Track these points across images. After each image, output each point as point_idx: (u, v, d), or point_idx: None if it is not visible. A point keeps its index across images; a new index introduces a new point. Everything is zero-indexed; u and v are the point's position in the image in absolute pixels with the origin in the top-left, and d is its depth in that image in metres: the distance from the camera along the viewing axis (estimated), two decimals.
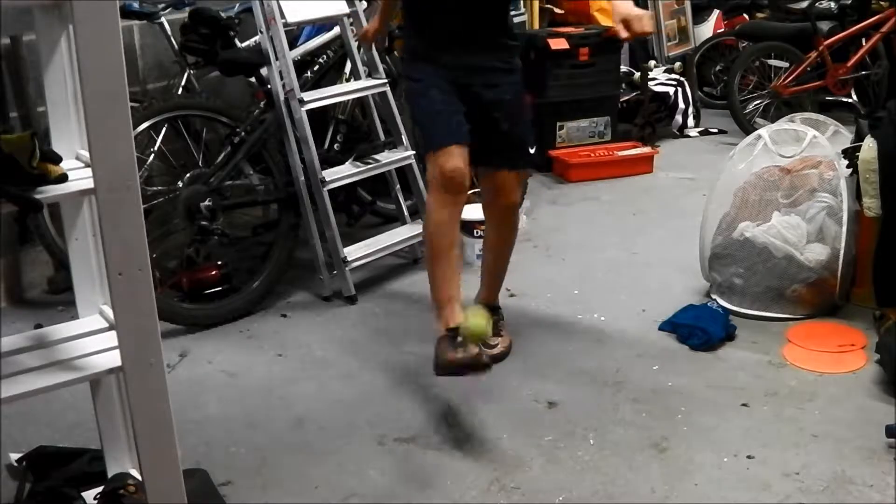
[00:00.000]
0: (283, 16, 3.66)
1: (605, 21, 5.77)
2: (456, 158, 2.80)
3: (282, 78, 3.69)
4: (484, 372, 2.72)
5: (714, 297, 3.53)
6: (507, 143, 3.01)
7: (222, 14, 3.79)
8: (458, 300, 2.81)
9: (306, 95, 3.71)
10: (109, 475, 2.16)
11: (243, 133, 3.67)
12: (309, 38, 4.22)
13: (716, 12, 6.78)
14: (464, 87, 2.91)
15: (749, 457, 2.60)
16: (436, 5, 2.89)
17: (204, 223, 3.59)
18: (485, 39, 2.92)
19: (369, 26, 3.55)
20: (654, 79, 5.87)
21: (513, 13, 5.25)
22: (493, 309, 3.17)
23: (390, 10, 3.42)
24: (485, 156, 2.98)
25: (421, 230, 3.91)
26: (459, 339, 2.67)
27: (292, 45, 3.97)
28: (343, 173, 3.81)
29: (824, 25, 5.65)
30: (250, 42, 3.98)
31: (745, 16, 6.42)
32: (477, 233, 3.98)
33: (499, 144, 2.99)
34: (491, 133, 2.96)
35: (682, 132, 5.95)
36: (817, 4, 5.66)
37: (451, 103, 2.89)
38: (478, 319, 2.65)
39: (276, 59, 3.68)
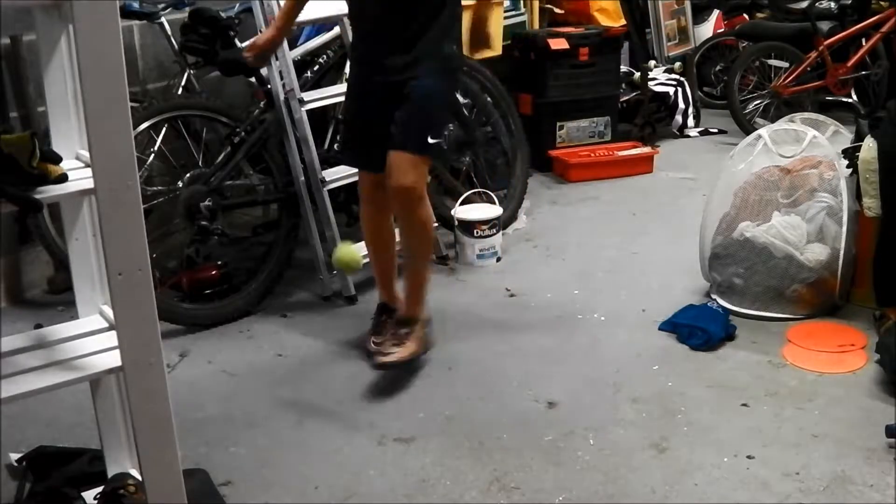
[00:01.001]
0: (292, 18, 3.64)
1: (605, 21, 5.78)
2: (360, 177, 3.17)
3: (282, 78, 3.69)
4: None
5: (714, 297, 3.53)
6: (400, 124, 2.92)
7: (222, 14, 3.78)
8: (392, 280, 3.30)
9: (306, 95, 3.71)
10: (109, 475, 2.16)
11: (243, 133, 3.67)
12: (309, 38, 4.22)
13: (716, 12, 6.77)
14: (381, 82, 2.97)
15: (749, 457, 2.60)
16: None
17: (204, 223, 3.58)
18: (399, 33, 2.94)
19: (261, 36, 3.37)
20: (654, 79, 5.86)
21: (513, 13, 5.31)
22: (407, 322, 3.10)
23: (293, 15, 3.27)
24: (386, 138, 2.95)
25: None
26: (382, 317, 3.24)
27: (292, 45, 3.97)
28: (343, 173, 3.80)
29: (824, 25, 5.64)
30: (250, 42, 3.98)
31: (745, 16, 6.40)
32: (477, 233, 3.98)
33: (394, 126, 2.92)
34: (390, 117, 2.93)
35: (682, 132, 5.94)
36: (817, 4, 5.65)
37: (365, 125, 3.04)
38: (341, 252, 3.26)
39: (276, 59, 3.68)
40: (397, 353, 3.04)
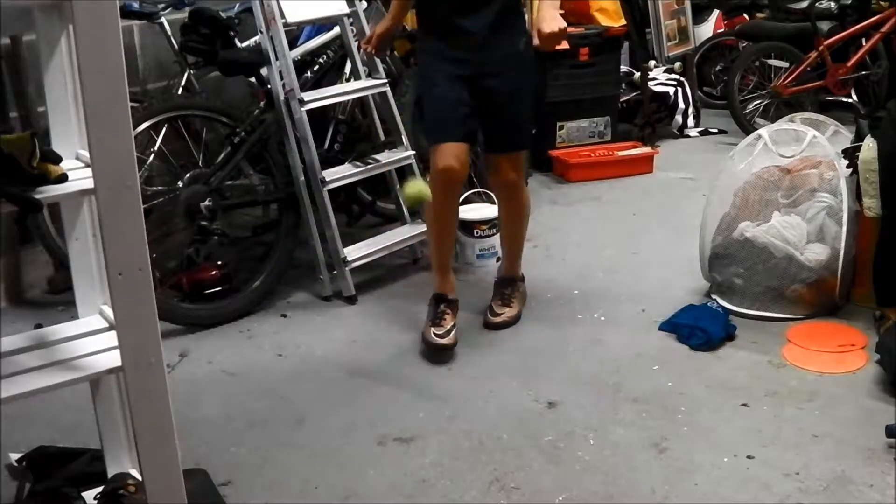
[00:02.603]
0: (283, 16, 3.66)
1: (605, 21, 5.77)
2: (449, 157, 3.08)
3: (282, 78, 3.69)
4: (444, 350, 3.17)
5: (714, 297, 3.53)
6: (503, 128, 3.21)
7: (222, 14, 3.79)
8: (450, 270, 3.41)
9: (306, 95, 3.71)
10: (109, 475, 2.16)
11: (243, 133, 3.67)
12: (309, 38, 4.22)
13: (716, 12, 6.77)
14: (471, 77, 3.08)
15: (749, 457, 2.60)
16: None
17: (204, 223, 3.59)
18: (494, 26, 3.09)
19: (377, 29, 3.54)
20: (654, 79, 5.86)
21: None
22: (512, 280, 3.52)
23: (403, 9, 3.48)
24: (486, 140, 3.25)
25: (421, 231, 3.93)
26: (441, 307, 3.26)
27: (292, 45, 3.97)
28: (343, 173, 3.81)
29: (824, 25, 5.65)
30: (250, 42, 3.98)
31: (745, 16, 6.41)
32: (477, 233, 3.98)
33: (496, 129, 3.20)
34: (491, 118, 3.16)
35: (682, 132, 5.95)
36: (817, 4, 5.65)
37: (455, 100, 3.08)
38: (412, 186, 3.25)
39: (276, 59, 3.68)
40: (507, 312, 3.45)
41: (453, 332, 3.22)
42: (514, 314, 3.45)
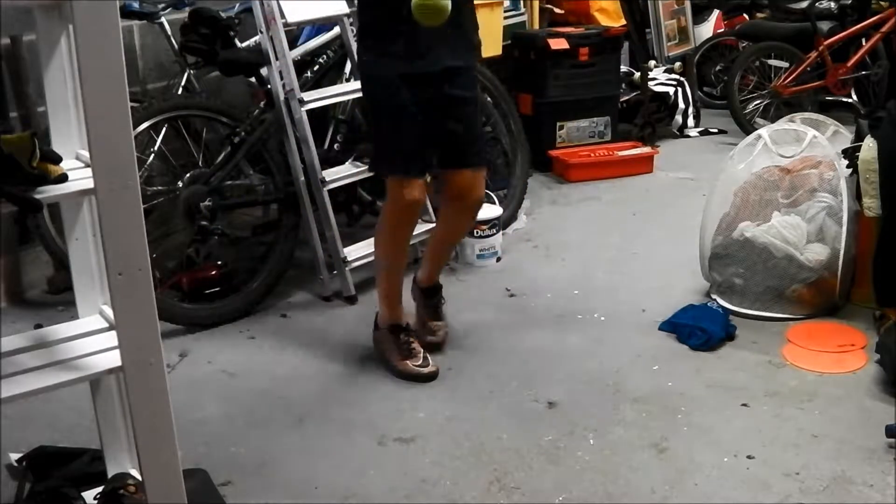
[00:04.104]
0: (283, 16, 3.65)
1: (605, 21, 5.78)
2: (416, 191, 2.95)
3: (282, 78, 3.69)
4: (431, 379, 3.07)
5: (714, 297, 3.53)
6: (469, 142, 3.04)
7: (222, 14, 3.79)
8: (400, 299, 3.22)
9: (306, 95, 3.71)
10: (109, 475, 2.16)
11: (243, 133, 3.67)
12: (309, 38, 4.22)
13: (716, 12, 6.78)
14: (433, 89, 2.91)
15: (749, 457, 2.60)
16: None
17: (204, 223, 3.59)
18: (456, 38, 2.91)
19: None
20: (654, 79, 5.86)
21: (513, 13, 5.31)
22: (439, 288, 3.36)
23: None
24: (449, 156, 3.05)
25: (420, 231, 3.92)
26: (403, 337, 3.12)
27: (292, 45, 3.97)
28: (343, 173, 3.81)
29: (824, 25, 5.65)
30: (250, 42, 3.98)
31: (745, 16, 6.41)
32: (477, 233, 3.98)
33: (462, 143, 3.03)
34: (454, 132, 3.00)
35: (682, 132, 5.95)
36: (817, 4, 5.66)
37: (418, 126, 2.92)
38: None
39: (276, 59, 3.68)
40: (443, 326, 3.32)
41: (429, 358, 3.13)
42: (446, 325, 3.35)
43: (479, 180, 3.10)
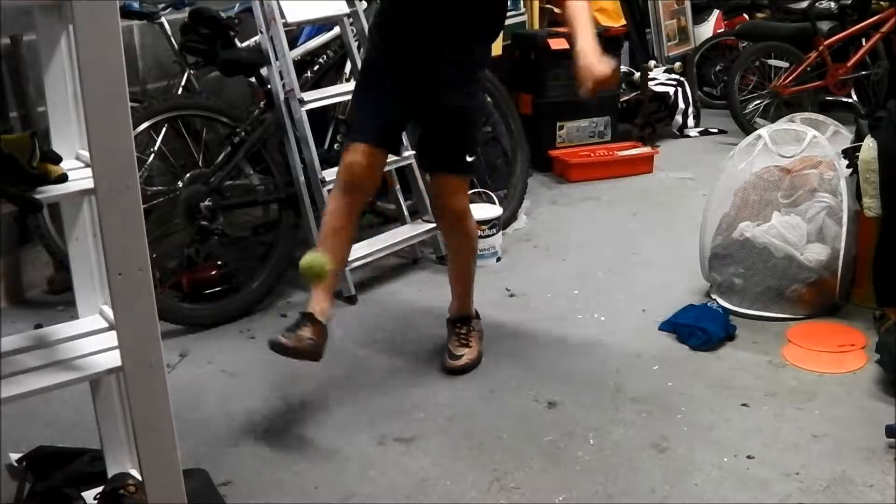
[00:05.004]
0: (283, 16, 3.65)
1: (605, 21, 5.78)
2: (359, 155, 2.85)
3: (282, 78, 3.69)
4: (312, 359, 2.79)
5: (714, 297, 3.53)
6: (445, 148, 2.97)
7: (222, 14, 3.79)
8: (327, 289, 2.91)
9: (306, 95, 3.71)
10: (109, 475, 2.16)
11: (243, 133, 3.67)
12: (309, 38, 4.22)
13: (716, 12, 6.77)
14: (419, 86, 2.89)
15: (749, 457, 2.60)
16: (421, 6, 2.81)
17: (204, 223, 3.59)
18: (458, 45, 2.88)
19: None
20: (654, 79, 5.86)
21: (513, 13, 5.31)
22: (464, 320, 3.20)
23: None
24: (428, 160, 3.08)
25: (420, 231, 3.94)
26: (300, 323, 2.80)
27: (292, 45, 3.97)
28: None
29: (824, 25, 5.65)
30: (250, 42, 3.98)
31: (745, 16, 6.41)
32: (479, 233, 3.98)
33: (438, 149, 2.99)
34: (434, 137, 2.98)
35: (682, 132, 5.95)
36: (817, 4, 5.66)
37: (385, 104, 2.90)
38: (310, 258, 2.71)
39: (276, 59, 3.68)
40: (467, 353, 3.13)
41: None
42: (475, 355, 3.15)
43: (453, 188, 3.00)
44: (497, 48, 4.90)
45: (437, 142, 2.99)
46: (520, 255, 4.14)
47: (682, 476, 2.53)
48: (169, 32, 4.04)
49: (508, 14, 5.12)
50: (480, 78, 3.10)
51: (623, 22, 5.99)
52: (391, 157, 3.90)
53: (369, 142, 2.87)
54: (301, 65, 4.02)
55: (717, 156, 4.92)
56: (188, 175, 3.66)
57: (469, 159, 2.98)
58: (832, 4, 5.70)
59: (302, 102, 3.66)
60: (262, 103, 3.81)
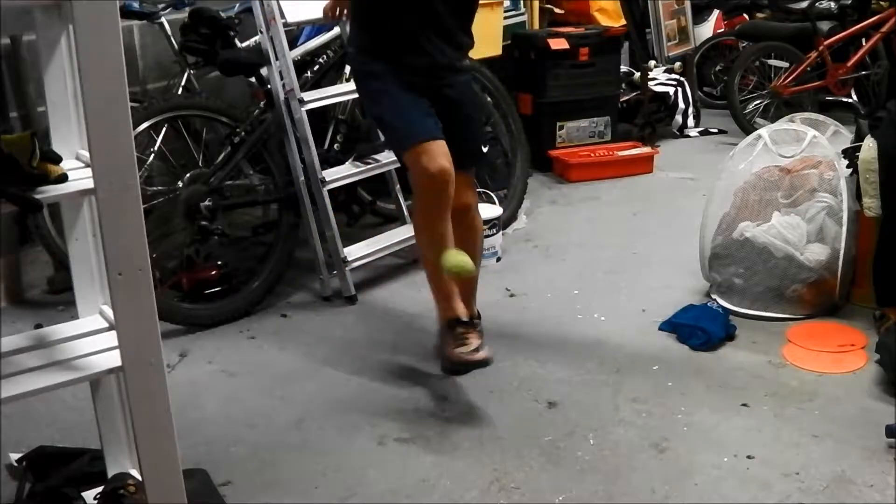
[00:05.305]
0: (283, 16, 3.66)
1: (605, 21, 5.78)
2: (439, 156, 2.75)
3: (282, 78, 3.69)
4: (484, 365, 2.88)
5: (714, 297, 3.53)
6: (460, 145, 2.91)
7: (222, 14, 3.79)
8: (456, 293, 2.97)
9: (306, 95, 3.71)
10: (109, 475, 2.16)
11: (243, 133, 3.67)
12: (309, 38, 4.21)
13: (716, 12, 6.78)
14: (424, 87, 2.88)
15: (749, 457, 2.60)
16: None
17: (204, 223, 3.59)
18: (449, 38, 2.90)
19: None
20: (654, 79, 5.87)
21: (513, 13, 5.31)
22: (470, 321, 3.03)
23: None
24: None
25: None
26: (460, 329, 2.88)
27: (292, 45, 3.97)
28: (343, 173, 3.81)
29: (824, 25, 5.65)
30: (250, 42, 3.98)
31: (745, 16, 6.41)
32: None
33: (459, 147, 2.90)
34: (451, 136, 2.88)
35: (682, 132, 5.95)
36: (817, 4, 5.66)
37: (418, 101, 2.85)
38: (460, 257, 2.77)
39: (276, 59, 3.68)
40: (485, 349, 2.93)
41: (483, 347, 2.89)
42: (489, 352, 2.95)
43: (467, 183, 3.00)
44: (497, 48, 4.93)
45: (455, 140, 2.88)
46: (520, 255, 4.14)
47: (682, 476, 2.53)
48: (169, 32, 4.04)
49: (508, 14, 5.19)
50: (473, 65, 3.08)
51: (623, 22, 5.99)
52: (392, 157, 3.94)
53: (437, 137, 2.78)
54: (301, 65, 4.02)
55: (717, 156, 4.92)
56: (188, 175, 3.66)
57: (484, 150, 3.00)
58: (832, 4, 5.70)
59: (302, 102, 3.66)
60: (262, 103, 3.81)
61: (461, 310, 2.96)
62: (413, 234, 3.87)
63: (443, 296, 2.98)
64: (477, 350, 2.88)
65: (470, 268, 2.80)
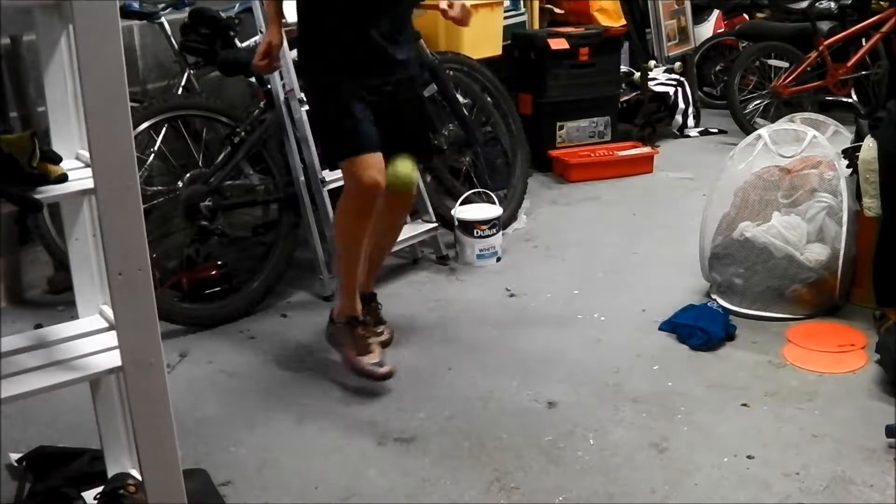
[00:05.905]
0: (283, 16, 3.65)
1: (605, 21, 5.78)
2: (376, 172, 2.86)
3: (282, 78, 3.69)
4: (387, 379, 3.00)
5: (714, 297, 3.53)
6: (408, 142, 3.06)
7: (222, 14, 3.79)
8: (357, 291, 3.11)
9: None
10: (109, 475, 2.16)
11: (243, 133, 3.67)
12: None
13: (716, 12, 6.78)
14: (372, 88, 2.92)
15: (749, 457, 2.60)
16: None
17: (204, 223, 3.59)
18: (400, 31, 2.95)
19: (263, 43, 3.15)
20: (654, 79, 5.86)
21: (513, 13, 5.32)
22: (372, 297, 3.27)
23: (280, 11, 3.14)
24: (390, 141, 3.00)
25: (420, 231, 3.93)
26: (360, 330, 3.03)
27: (292, 46, 3.97)
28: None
29: (824, 25, 5.65)
30: (250, 42, 3.98)
31: (745, 16, 6.41)
32: (477, 233, 3.98)
33: (403, 130, 3.04)
34: (395, 119, 2.98)
35: (682, 132, 5.95)
36: (817, 4, 5.66)
37: (364, 109, 2.90)
38: (405, 166, 3.01)
39: (276, 59, 3.67)
40: (387, 328, 3.27)
41: (384, 360, 3.03)
42: (391, 331, 3.28)
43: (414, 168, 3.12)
44: (497, 48, 4.93)
45: (403, 138, 3.03)
46: (520, 255, 4.14)
47: (682, 476, 2.53)
48: (169, 32, 4.04)
49: (508, 14, 5.19)
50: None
51: (623, 22, 5.99)
52: None
53: (376, 150, 2.88)
54: None
55: (717, 156, 4.93)
56: (188, 175, 3.66)
57: (435, 143, 3.12)
58: (832, 4, 5.70)
59: (302, 102, 3.66)
60: (262, 103, 3.81)
61: (360, 310, 3.08)
62: (413, 234, 3.91)
63: (348, 292, 3.07)
64: (380, 364, 3.00)
65: (410, 184, 3.06)
